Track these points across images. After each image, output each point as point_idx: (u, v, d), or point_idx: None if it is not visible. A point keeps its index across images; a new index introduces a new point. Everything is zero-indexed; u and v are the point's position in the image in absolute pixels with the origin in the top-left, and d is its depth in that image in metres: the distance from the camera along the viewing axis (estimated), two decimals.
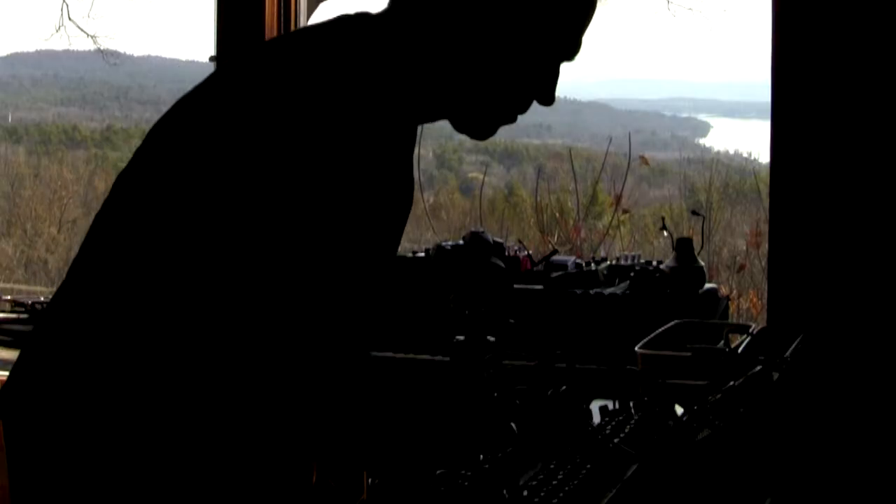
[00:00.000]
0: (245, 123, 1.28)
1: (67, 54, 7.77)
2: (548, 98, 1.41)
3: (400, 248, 3.26)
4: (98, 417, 1.28)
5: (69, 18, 6.43)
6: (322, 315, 1.31)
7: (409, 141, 1.40)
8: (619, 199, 5.17)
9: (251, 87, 1.31)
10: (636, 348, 2.18)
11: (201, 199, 1.28)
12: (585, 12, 1.39)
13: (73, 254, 1.41)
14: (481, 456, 1.35)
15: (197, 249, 1.28)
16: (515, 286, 2.83)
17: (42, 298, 2.83)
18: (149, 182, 1.35)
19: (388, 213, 1.35)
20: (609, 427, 1.44)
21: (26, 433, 1.33)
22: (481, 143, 8.55)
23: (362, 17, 1.38)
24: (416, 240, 5.95)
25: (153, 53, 7.49)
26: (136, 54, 7.55)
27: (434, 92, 1.38)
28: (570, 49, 1.39)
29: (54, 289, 1.42)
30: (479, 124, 1.42)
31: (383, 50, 1.33)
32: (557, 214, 5.57)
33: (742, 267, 5.46)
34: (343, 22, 1.36)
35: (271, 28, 3.07)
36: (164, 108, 1.42)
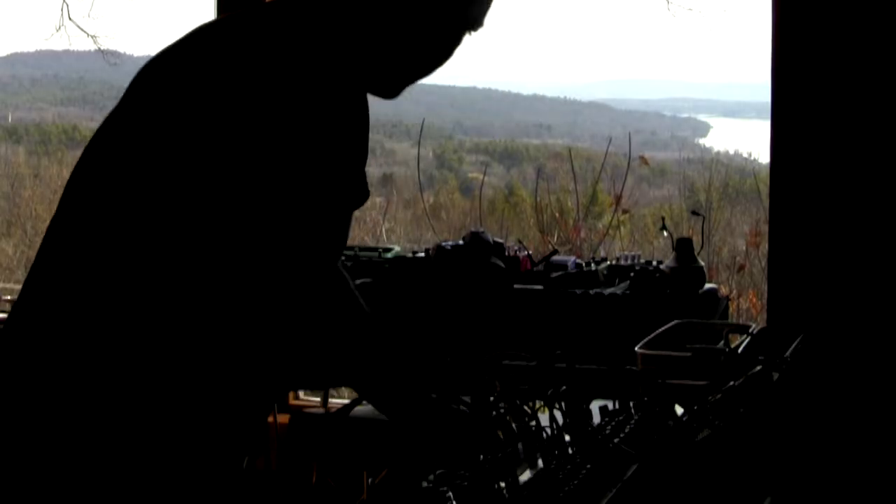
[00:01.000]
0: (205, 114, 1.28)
1: (67, 54, 7.78)
2: (447, 59, 1.51)
3: (400, 248, 3.27)
4: (73, 416, 1.28)
5: (69, 18, 6.43)
6: (291, 304, 1.32)
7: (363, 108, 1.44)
8: (619, 199, 5.18)
9: (211, 68, 1.32)
10: (636, 348, 2.18)
11: (174, 175, 1.28)
12: None
13: None
14: (481, 456, 1.35)
15: (166, 232, 1.28)
16: (515, 286, 2.83)
17: None
18: (112, 164, 1.35)
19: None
20: (609, 427, 1.44)
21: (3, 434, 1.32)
22: (481, 144, 8.55)
23: None
24: (416, 240, 5.95)
25: (153, 53, 7.48)
26: (136, 54, 7.54)
27: (359, 56, 1.45)
28: (475, 23, 1.49)
29: None
30: (390, 85, 1.51)
31: (326, 23, 1.41)
32: (557, 214, 5.57)
33: (742, 267, 5.47)
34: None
35: None
36: None
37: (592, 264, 2.97)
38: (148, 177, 1.30)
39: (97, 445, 1.28)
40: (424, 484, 1.28)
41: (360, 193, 1.39)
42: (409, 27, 1.44)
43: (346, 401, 3.07)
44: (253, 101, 1.28)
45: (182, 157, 1.28)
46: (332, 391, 3.24)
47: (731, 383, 1.50)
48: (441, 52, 1.49)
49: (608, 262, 2.98)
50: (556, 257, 3.00)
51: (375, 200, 5.97)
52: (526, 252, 3.01)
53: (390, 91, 1.51)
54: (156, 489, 1.29)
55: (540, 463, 1.38)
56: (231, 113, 1.27)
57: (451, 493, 1.21)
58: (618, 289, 2.79)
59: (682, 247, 2.80)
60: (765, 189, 3.86)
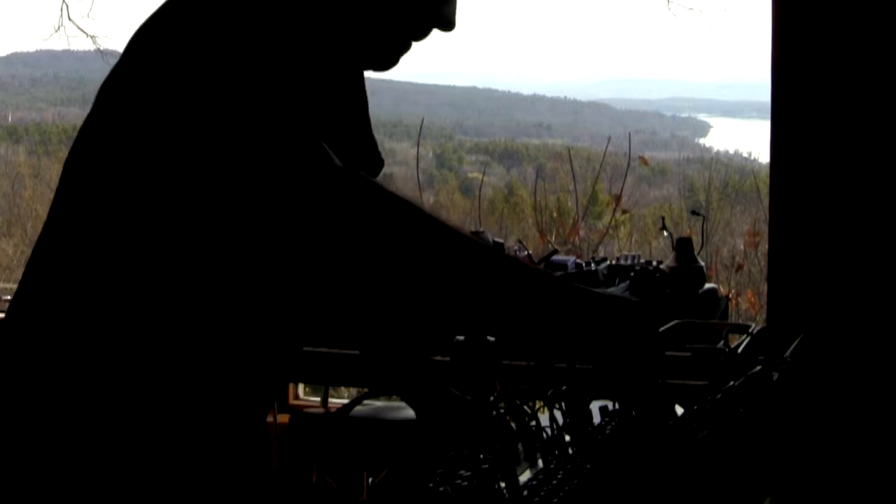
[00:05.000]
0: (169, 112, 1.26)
1: (67, 54, 7.79)
2: (448, 25, 1.41)
3: None
4: (72, 416, 1.28)
5: (69, 18, 6.43)
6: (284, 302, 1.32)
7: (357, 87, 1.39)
8: (618, 199, 5.18)
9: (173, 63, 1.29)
10: None
11: (160, 173, 1.27)
12: None
13: None
14: (481, 456, 1.35)
15: (158, 232, 1.28)
16: None
17: None
18: (98, 161, 1.35)
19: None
20: (609, 427, 1.44)
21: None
22: (481, 144, 8.55)
23: None
24: None
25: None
26: None
27: (338, 33, 1.38)
28: None
29: None
30: (379, 57, 1.43)
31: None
32: (557, 214, 5.57)
33: (741, 267, 5.47)
34: None
35: None
36: None
37: (592, 264, 2.96)
38: (130, 171, 1.29)
39: (94, 446, 1.28)
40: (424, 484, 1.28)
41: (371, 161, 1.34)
42: None
43: (346, 401, 3.07)
44: (211, 87, 1.21)
45: (161, 146, 1.25)
46: (331, 390, 3.24)
47: (731, 383, 1.50)
48: (426, 11, 1.38)
49: (608, 262, 2.98)
50: (555, 257, 3.00)
51: None
52: (526, 252, 3.00)
53: (382, 62, 1.43)
54: (155, 488, 1.29)
55: (540, 463, 1.38)
56: (196, 103, 1.22)
57: (451, 493, 1.21)
58: (618, 289, 2.79)
59: (682, 247, 2.80)
60: (765, 189, 3.87)
